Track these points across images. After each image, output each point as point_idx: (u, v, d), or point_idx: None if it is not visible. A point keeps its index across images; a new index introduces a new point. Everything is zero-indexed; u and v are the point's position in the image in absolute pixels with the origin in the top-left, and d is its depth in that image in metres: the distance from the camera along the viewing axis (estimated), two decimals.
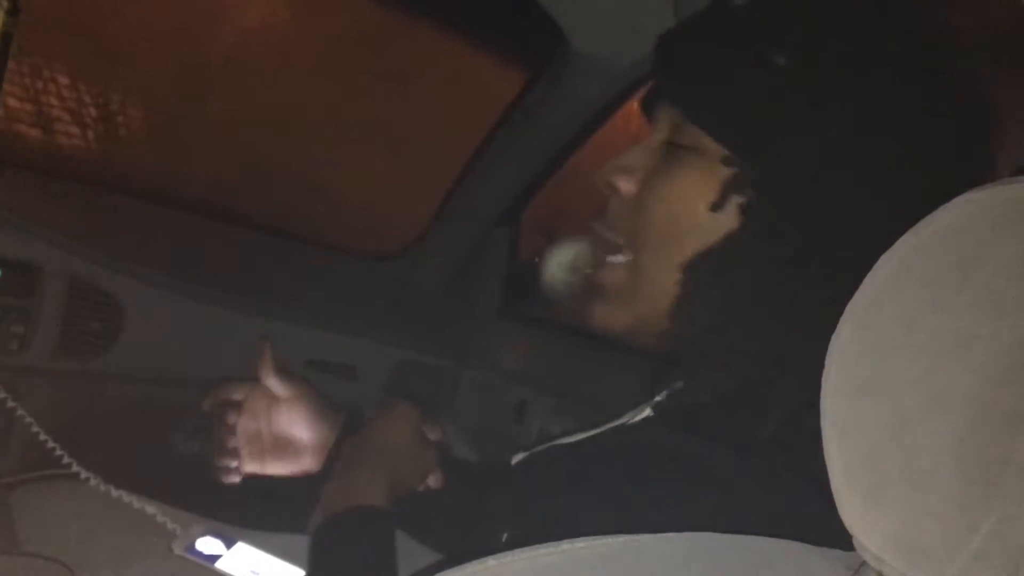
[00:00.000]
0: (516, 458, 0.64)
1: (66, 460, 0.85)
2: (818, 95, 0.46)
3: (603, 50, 1.00)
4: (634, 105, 1.10)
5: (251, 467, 0.73)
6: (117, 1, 1.38)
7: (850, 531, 0.31)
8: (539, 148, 1.19)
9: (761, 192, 0.48)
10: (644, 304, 0.52)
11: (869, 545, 0.30)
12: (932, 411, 0.28)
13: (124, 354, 0.99)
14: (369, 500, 0.63)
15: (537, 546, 0.34)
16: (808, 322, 0.44)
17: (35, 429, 0.86)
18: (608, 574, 0.33)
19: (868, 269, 0.32)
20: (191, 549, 0.84)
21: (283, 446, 0.73)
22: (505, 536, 0.48)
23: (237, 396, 0.74)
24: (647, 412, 0.53)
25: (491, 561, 0.34)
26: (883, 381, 0.30)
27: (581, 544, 0.34)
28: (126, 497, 0.84)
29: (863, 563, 0.32)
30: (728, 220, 0.49)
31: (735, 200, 0.48)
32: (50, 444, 0.85)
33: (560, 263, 0.71)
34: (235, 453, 0.72)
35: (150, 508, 0.84)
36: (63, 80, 1.47)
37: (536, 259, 0.75)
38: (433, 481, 0.74)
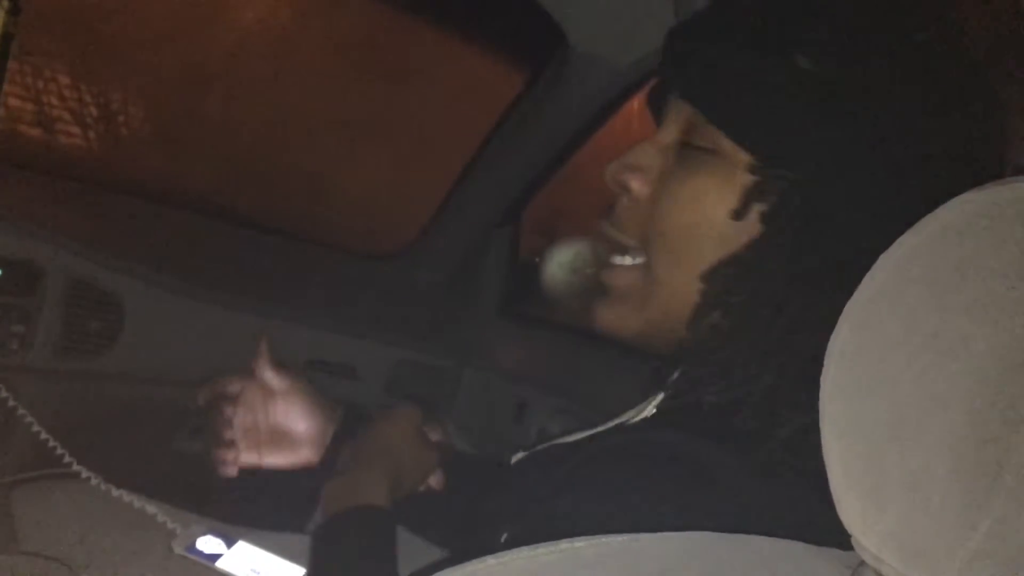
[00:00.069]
0: (515, 457, 0.64)
1: (67, 459, 0.85)
2: (843, 100, 0.45)
3: (603, 50, 1.00)
4: (634, 105, 1.10)
5: (248, 459, 0.73)
6: (118, 1, 1.38)
7: (849, 530, 0.31)
8: (539, 148, 1.19)
9: (785, 200, 0.46)
10: (655, 309, 0.51)
11: (868, 544, 0.30)
12: (931, 411, 0.28)
13: (124, 353, 0.99)
14: (370, 500, 0.63)
15: (536, 545, 0.34)
16: (830, 330, 0.43)
17: (36, 428, 0.86)
18: (607, 573, 0.33)
19: None
20: (192, 548, 0.84)
21: (280, 439, 0.74)
22: (505, 536, 0.48)
23: (234, 389, 0.74)
24: (647, 412, 0.53)
25: (491, 560, 0.34)
26: (882, 381, 0.30)
27: (580, 543, 0.34)
28: (127, 496, 0.85)
29: (861, 562, 0.32)
30: (750, 227, 0.47)
31: (757, 208, 0.47)
32: (51, 443, 0.86)
33: (560, 263, 0.72)
34: (232, 445, 0.72)
35: (150, 507, 0.84)
36: (64, 80, 1.47)
37: (536, 259, 0.75)
38: (434, 481, 0.74)
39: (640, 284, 0.52)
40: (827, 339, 0.41)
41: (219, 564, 0.84)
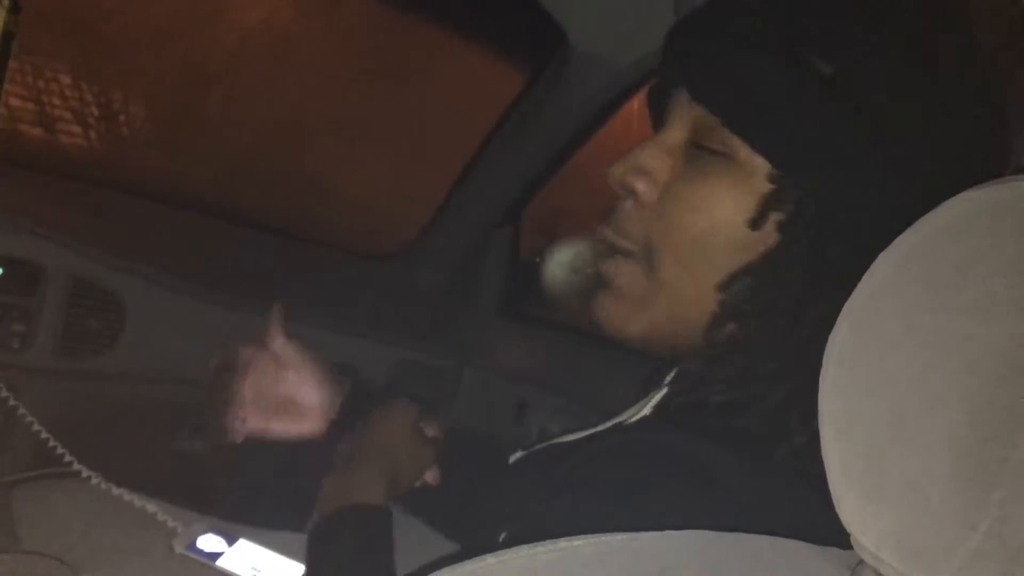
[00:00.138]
0: (514, 457, 0.64)
1: (67, 458, 0.85)
2: (863, 107, 0.44)
3: (603, 50, 1.00)
4: (634, 105, 1.10)
5: (255, 426, 0.73)
6: (118, 0, 1.38)
7: (848, 529, 0.31)
8: (539, 148, 1.19)
9: (801, 208, 0.46)
10: (659, 311, 0.50)
11: (867, 544, 0.30)
12: (930, 410, 0.28)
13: (125, 353, 0.99)
14: (366, 498, 0.63)
15: (536, 544, 0.34)
16: None
17: (36, 428, 0.86)
18: (606, 572, 0.33)
19: None
20: (192, 547, 0.85)
21: (288, 407, 0.74)
22: (504, 535, 0.48)
23: (245, 355, 0.74)
24: (646, 411, 0.53)
25: (490, 559, 0.34)
26: (881, 380, 0.30)
27: (580, 542, 0.34)
28: (127, 495, 0.85)
29: (861, 562, 0.32)
30: (765, 237, 0.46)
31: (773, 216, 0.46)
32: (51, 443, 0.86)
33: (560, 263, 0.72)
34: (240, 412, 0.73)
35: (151, 506, 0.85)
36: (65, 79, 1.47)
37: (537, 259, 0.75)
38: (430, 477, 0.74)
39: (641, 284, 0.51)
40: None
41: (220, 563, 0.84)
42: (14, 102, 1.35)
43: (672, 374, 0.54)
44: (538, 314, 1.36)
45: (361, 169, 1.65)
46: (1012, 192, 0.30)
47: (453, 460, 0.76)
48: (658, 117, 0.55)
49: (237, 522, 0.90)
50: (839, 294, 0.41)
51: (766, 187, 0.46)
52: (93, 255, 0.96)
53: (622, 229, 0.52)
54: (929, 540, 0.28)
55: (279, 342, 0.74)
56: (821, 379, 0.33)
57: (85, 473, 0.84)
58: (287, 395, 0.74)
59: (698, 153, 0.49)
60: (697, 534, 0.35)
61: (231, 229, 1.29)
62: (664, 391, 0.53)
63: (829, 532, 0.33)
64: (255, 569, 0.85)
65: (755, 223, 0.46)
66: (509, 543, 0.36)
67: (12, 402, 0.86)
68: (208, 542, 0.86)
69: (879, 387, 0.30)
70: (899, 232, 0.32)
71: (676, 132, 0.51)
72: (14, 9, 0.66)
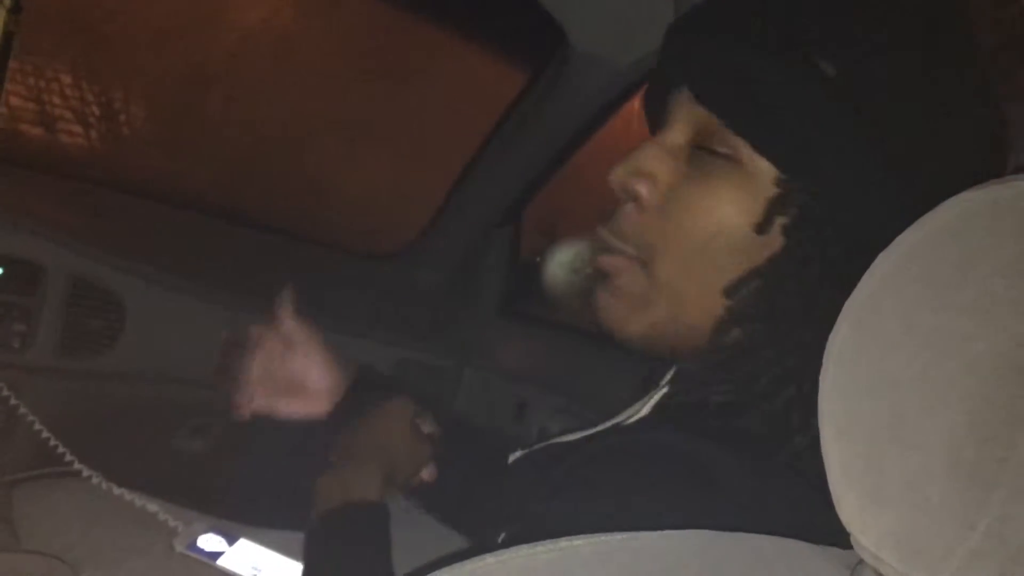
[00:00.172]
0: (513, 456, 0.64)
1: (68, 458, 0.85)
2: (863, 107, 0.44)
3: (604, 49, 1.00)
4: (634, 105, 1.10)
5: (262, 405, 0.74)
6: (119, 0, 1.38)
7: (848, 529, 0.31)
8: (539, 148, 1.19)
9: (806, 212, 0.45)
10: (659, 313, 0.50)
11: (867, 543, 0.30)
12: (930, 410, 0.28)
13: (125, 352, 0.99)
14: (363, 495, 0.63)
15: (536, 544, 0.34)
16: None
17: (37, 427, 0.86)
18: (606, 572, 0.33)
19: None
20: (193, 546, 0.84)
21: (295, 388, 0.75)
22: (503, 535, 0.48)
23: (254, 335, 0.75)
24: (646, 411, 0.53)
25: (490, 559, 0.34)
26: (881, 379, 0.30)
27: (579, 542, 0.34)
28: (128, 495, 0.85)
29: (860, 561, 0.32)
30: (770, 240, 0.46)
31: (779, 220, 0.46)
32: (52, 442, 0.86)
33: (560, 263, 0.72)
34: (248, 390, 0.74)
35: (152, 506, 0.85)
36: (65, 79, 1.47)
37: (537, 259, 0.75)
38: (426, 474, 0.74)
39: (641, 284, 0.50)
40: None
41: (220, 562, 0.84)
42: (15, 101, 1.35)
43: (671, 373, 0.54)
44: (538, 314, 1.36)
45: (361, 169, 1.65)
46: (1012, 192, 0.30)
47: (452, 454, 0.76)
48: (655, 118, 0.54)
49: (237, 522, 0.90)
50: (841, 295, 0.41)
51: (771, 190, 0.46)
52: (93, 255, 0.96)
53: (619, 232, 0.51)
54: (929, 540, 0.28)
55: (289, 323, 0.75)
56: (821, 379, 0.33)
57: (86, 472, 0.84)
58: (295, 375, 0.75)
59: (701, 154, 0.48)
60: (697, 534, 0.35)
61: (231, 229, 1.29)
62: (663, 391, 0.53)
63: (829, 532, 0.33)
64: (255, 568, 0.85)
65: (761, 228, 0.46)
66: (509, 543, 0.36)
67: (13, 401, 0.86)
68: (209, 541, 0.86)
69: (879, 387, 0.30)
70: (899, 232, 0.32)
71: (678, 133, 0.50)
72: (15, 9, 0.67)
